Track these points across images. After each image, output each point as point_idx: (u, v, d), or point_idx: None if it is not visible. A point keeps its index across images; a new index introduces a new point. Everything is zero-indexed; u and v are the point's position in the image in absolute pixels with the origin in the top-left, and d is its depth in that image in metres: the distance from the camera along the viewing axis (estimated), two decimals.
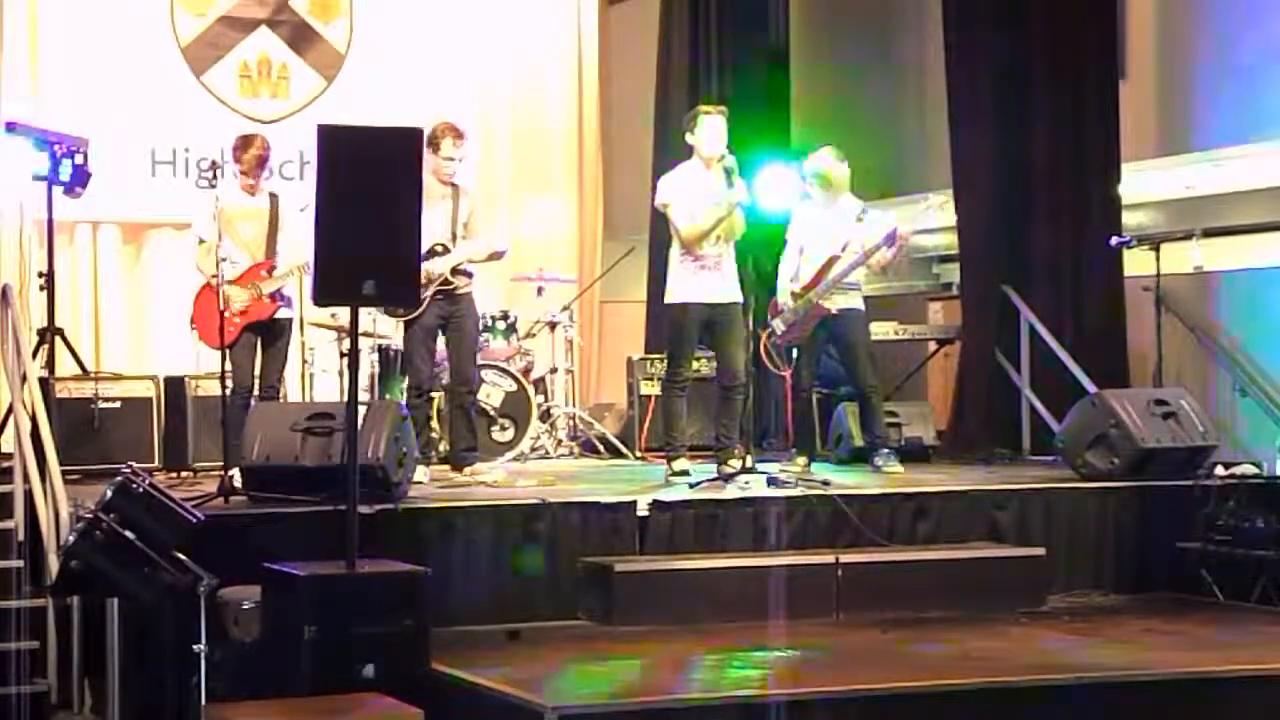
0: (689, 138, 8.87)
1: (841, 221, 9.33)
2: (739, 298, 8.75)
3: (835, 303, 9.30)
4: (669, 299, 8.88)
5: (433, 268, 8.72)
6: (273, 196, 9.06)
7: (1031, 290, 10.74)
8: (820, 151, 9.44)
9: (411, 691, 6.09)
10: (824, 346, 9.57)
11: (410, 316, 8.79)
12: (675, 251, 8.85)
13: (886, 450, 9.41)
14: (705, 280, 8.74)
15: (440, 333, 8.95)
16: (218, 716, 6.10)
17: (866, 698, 6.10)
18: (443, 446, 9.47)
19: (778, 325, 9.28)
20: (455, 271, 8.85)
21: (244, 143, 9.04)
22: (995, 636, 7.21)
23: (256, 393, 8.84)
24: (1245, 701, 6.44)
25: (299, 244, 8.65)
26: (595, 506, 7.83)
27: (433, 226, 8.71)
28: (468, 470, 8.81)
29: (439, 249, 8.79)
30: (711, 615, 7.41)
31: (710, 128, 8.78)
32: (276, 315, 8.92)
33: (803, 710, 5.94)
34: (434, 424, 9.49)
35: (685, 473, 8.71)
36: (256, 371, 8.92)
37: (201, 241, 8.82)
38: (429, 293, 8.74)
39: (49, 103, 11.15)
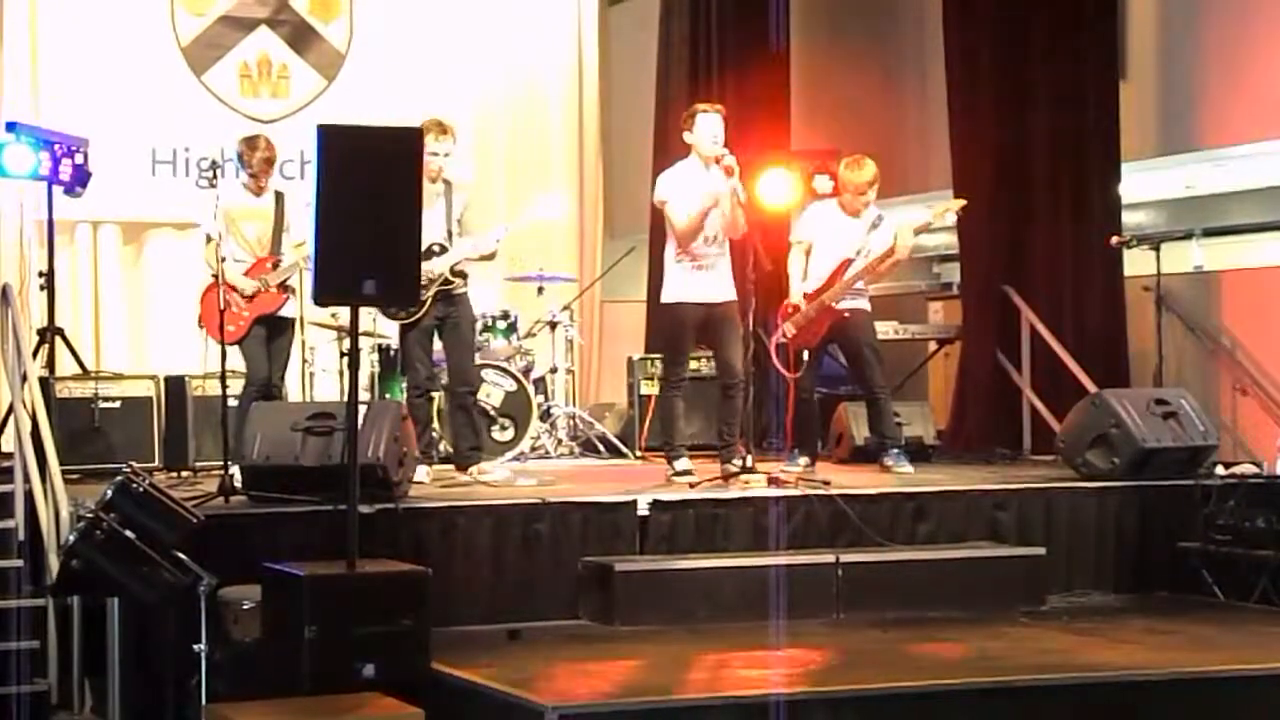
0: (687, 136, 8.84)
1: (857, 226, 9.26)
2: (734, 296, 8.75)
3: (845, 304, 9.27)
4: (664, 299, 8.87)
5: (433, 268, 8.70)
6: (278, 195, 9.02)
7: (1031, 290, 10.74)
8: (858, 161, 9.34)
9: (411, 691, 6.09)
10: (827, 346, 9.54)
11: (411, 320, 8.77)
12: (671, 252, 8.83)
13: (896, 450, 9.36)
14: (700, 280, 8.72)
15: (436, 333, 8.94)
16: (218, 716, 6.09)
17: (866, 698, 6.09)
18: (444, 446, 9.47)
19: (789, 328, 9.20)
20: (453, 272, 8.83)
21: (249, 145, 8.97)
22: (995, 636, 7.20)
23: None
24: (1245, 701, 6.43)
25: (303, 240, 8.66)
26: (595, 506, 7.82)
27: (429, 226, 8.69)
28: (473, 470, 8.79)
29: (436, 249, 8.76)
30: (711, 615, 7.42)
31: (707, 126, 8.76)
32: (281, 312, 8.91)
33: (803, 710, 5.93)
34: (435, 424, 9.48)
35: (687, 472, 8.69)
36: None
37: (209, 239, 8.79)
38: (430, 293, 8.72)
39: (49, 103, 11.15)
